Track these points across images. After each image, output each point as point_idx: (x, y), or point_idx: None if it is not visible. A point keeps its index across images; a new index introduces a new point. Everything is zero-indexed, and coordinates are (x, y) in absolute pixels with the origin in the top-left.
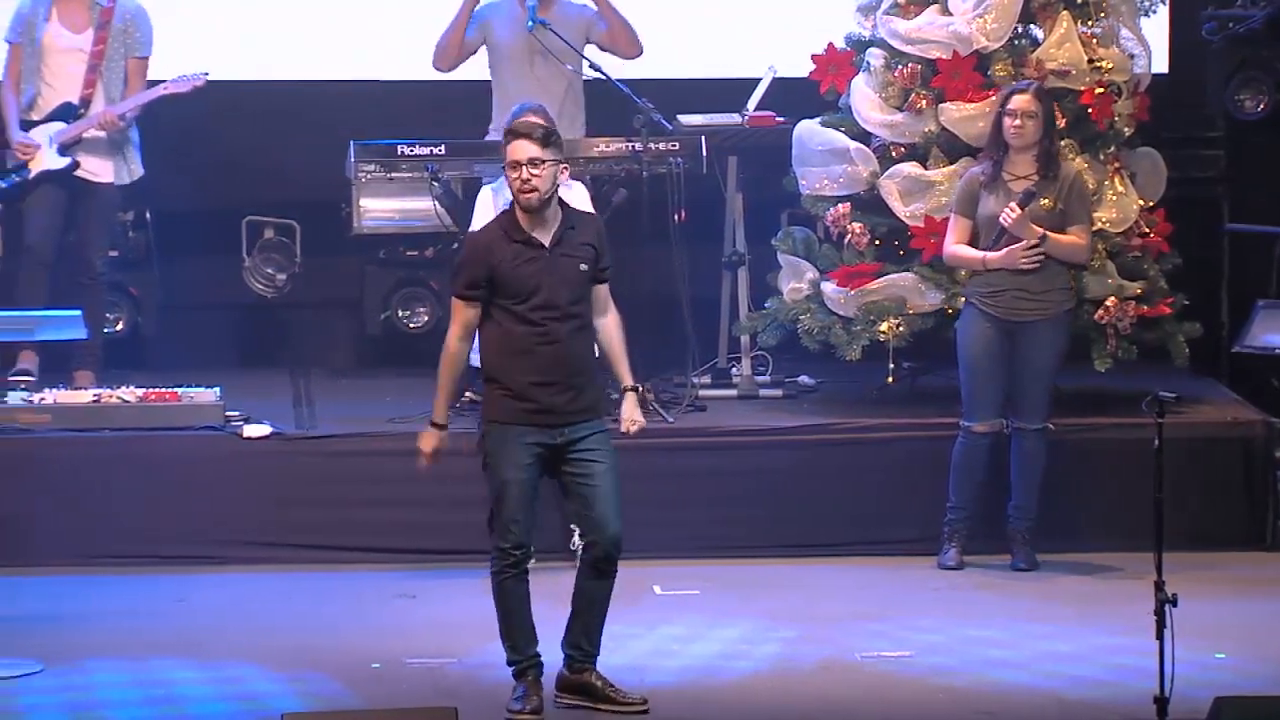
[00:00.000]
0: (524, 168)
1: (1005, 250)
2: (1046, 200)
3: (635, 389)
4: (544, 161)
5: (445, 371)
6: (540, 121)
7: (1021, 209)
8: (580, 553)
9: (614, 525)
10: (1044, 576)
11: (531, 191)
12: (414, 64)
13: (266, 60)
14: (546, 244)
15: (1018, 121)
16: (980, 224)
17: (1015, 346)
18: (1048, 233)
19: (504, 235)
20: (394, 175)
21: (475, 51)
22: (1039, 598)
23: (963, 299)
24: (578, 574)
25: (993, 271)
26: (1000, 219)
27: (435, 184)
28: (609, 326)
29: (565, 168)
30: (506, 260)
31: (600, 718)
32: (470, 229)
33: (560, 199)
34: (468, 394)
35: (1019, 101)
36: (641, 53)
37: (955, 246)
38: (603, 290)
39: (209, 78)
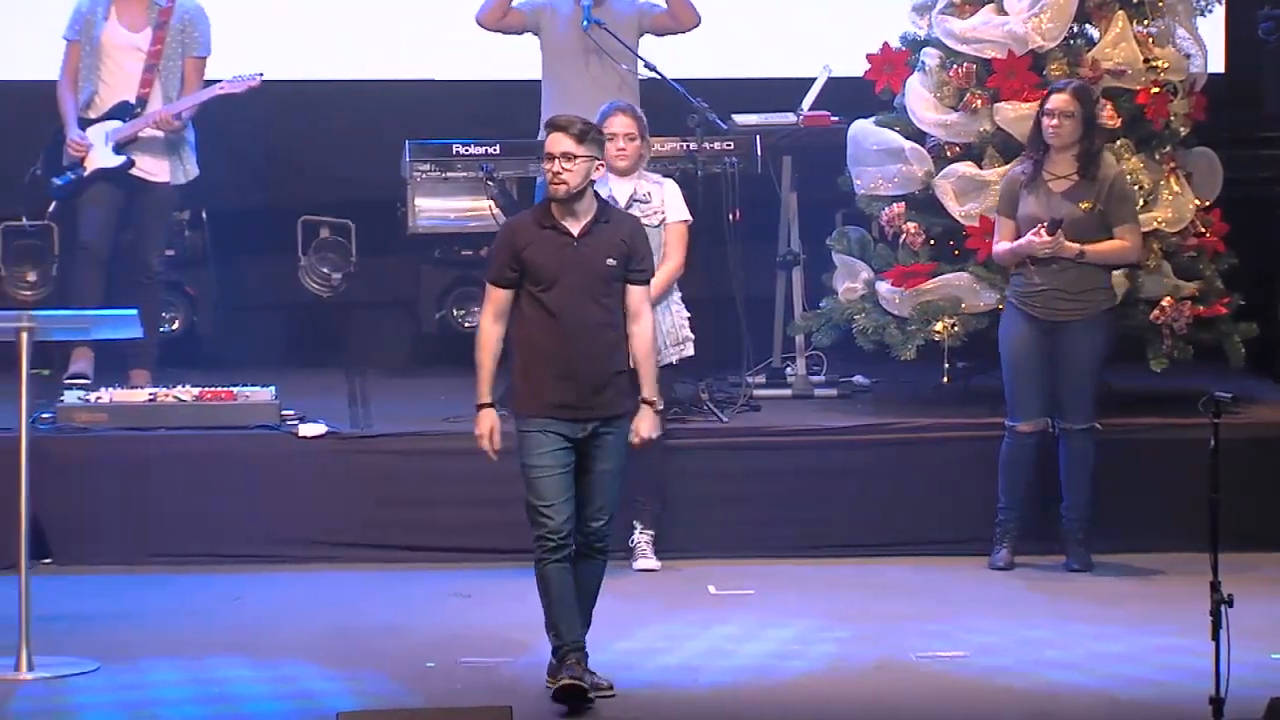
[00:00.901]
0: (557, 160)
1: (1023, 240)
2: (1086, 203)
3: (652, 403)
4: (577, 157)
5: (481, 353)
6: (584, 122)
7: (1051, 234)
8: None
9: (600, 521)
10: (1098, 577)
11: (561, 184)
12: (470, 63)
13: (322, 60)
14: (575, 233)
15: (1055, 121)
16: (1021, 224)
17: (1056, 347)
18: (1084, 248)
19: (534, 222)
20: (449, 175)
21: (520, 30)
22: (1093, 598)
23: None
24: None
25: (1032, 270)
26: (1030, 245)
27: (490, 184)
28: (640, 334)
29: (601, 165)
30: (533, 245)
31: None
32: None
33: (597, 194)
34: None
35: (1057, 101)
36: (700, 21)
37: (998, 246)
38: (638, 293)
39: (264, 78)
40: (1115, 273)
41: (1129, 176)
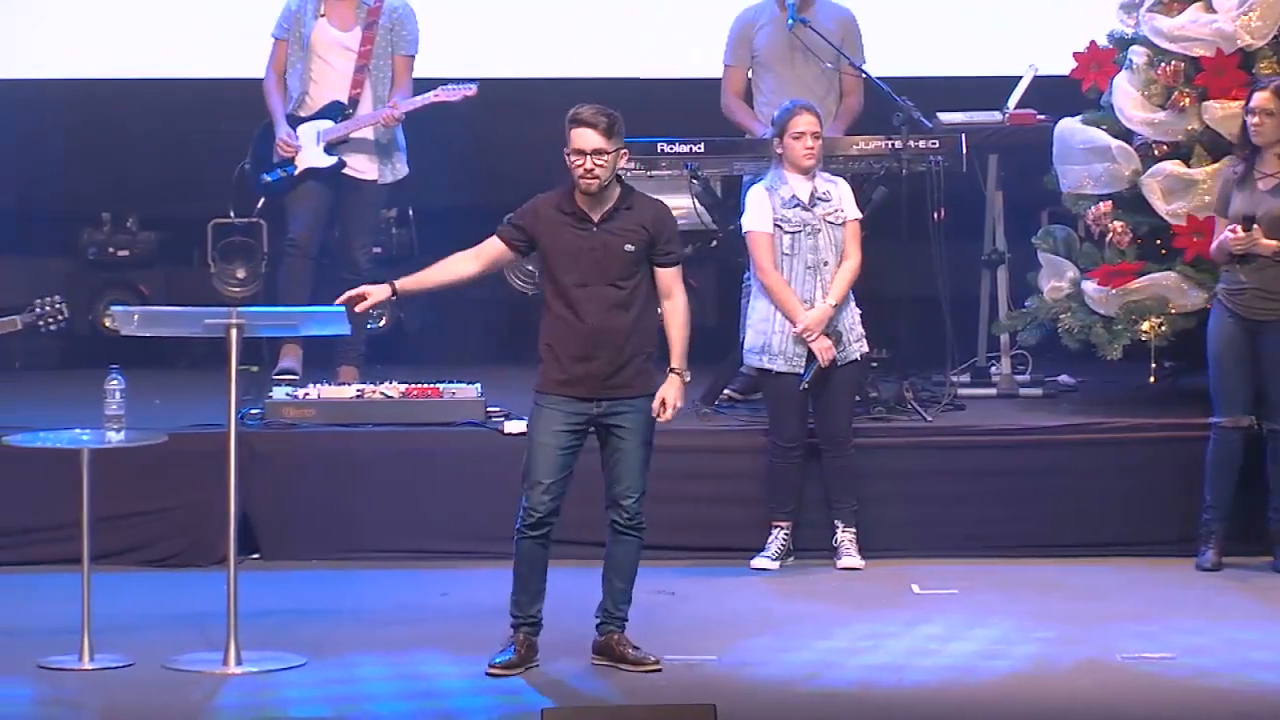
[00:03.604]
0: (588, 157)
1: (1222, 236)
2: None
3: (679, 373)
4: (607, 152)
5: (438, 264)
6: (608, 114)
7: (1245, 230)
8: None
9: (628, 500)
10: None
11: (593, 180)
12: (674, 61)
13: (528, 58)
14: (595, 220)
15: (1256, 119)
16: (1232, 222)
17: (1259, 347)
18: None
19: (557, 207)
20: (653, 173)
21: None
22: None
23: None
24: (607, 542)
25: (1238, 268)
26: (1225, 242)
27: (694, 182)
28: (672, 311)
29: (625, 153)
30: (554, 231)
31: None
32: (742, 224)
33: (621, 180)
34: (726, 391)
35: (1258, 99)
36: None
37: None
38: (667, 274)
39: (477, 87)
40: None
41: None
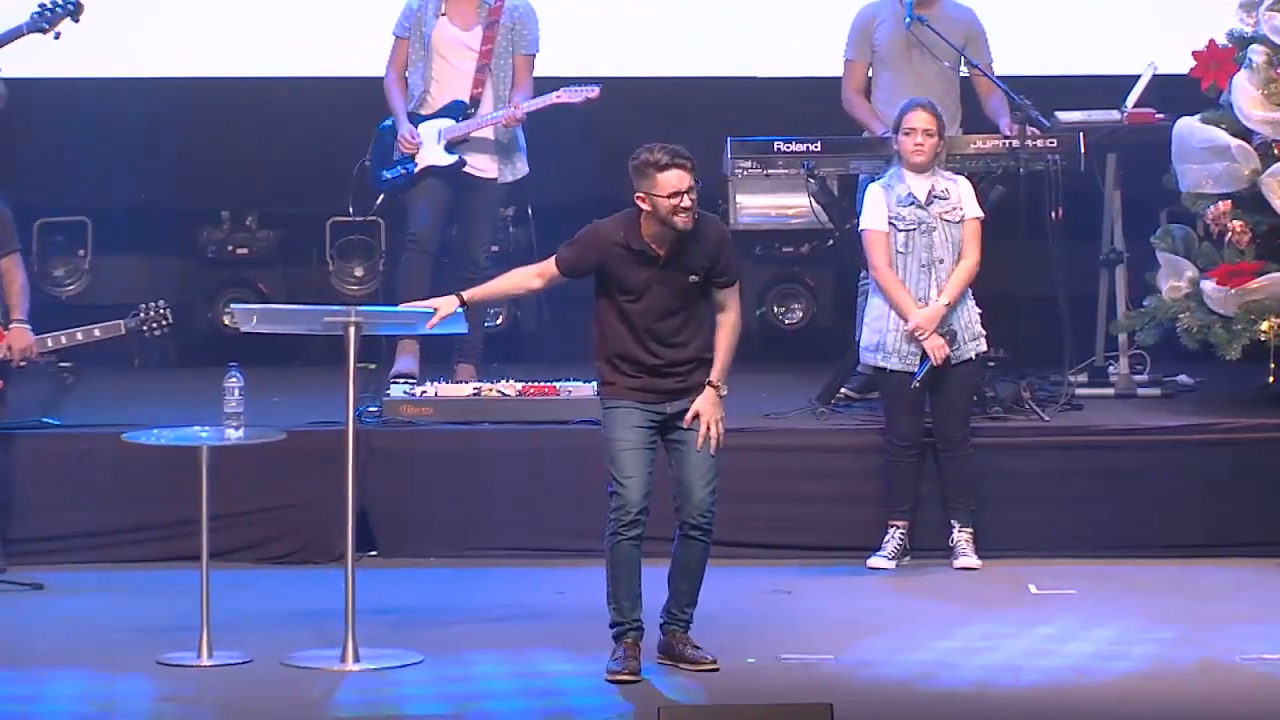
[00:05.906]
0: (684, 196)
1: None
2: None
3: (715, 387)
4: (696, 185)
5: (505, 276)
6: (682, 153)
7: None
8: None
9: (700, 493)
10: None
11: (690, 216)
12: (790, 60)
13: (646, 57)
14: (661, 254)
15: None
16: None
17: None
18: None
19: (624, 242)
20: (770, 172)
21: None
22: None
23: None
24: (674, 543)
25: None
26: None
27: (811, 181)
28: (723, 324)
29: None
30: (618, 266)
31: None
32: (859, 224)
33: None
34: (843, 390)
35: None
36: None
37: None
38: (724, 294)
39: (599, 90)
40: None
41: None
